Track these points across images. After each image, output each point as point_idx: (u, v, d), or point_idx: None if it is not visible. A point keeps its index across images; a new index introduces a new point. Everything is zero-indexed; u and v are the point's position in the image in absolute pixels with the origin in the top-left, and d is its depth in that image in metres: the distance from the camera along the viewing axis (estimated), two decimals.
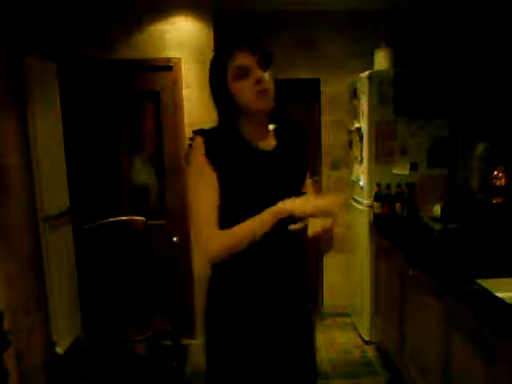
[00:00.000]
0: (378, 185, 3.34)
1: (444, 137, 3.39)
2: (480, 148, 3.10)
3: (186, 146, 1.47)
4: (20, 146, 2.68)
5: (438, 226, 2.99)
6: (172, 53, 3.35)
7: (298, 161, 1.50)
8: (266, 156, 1.41)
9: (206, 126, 1.46)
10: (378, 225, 3.29)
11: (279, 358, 1.44)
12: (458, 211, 3.07)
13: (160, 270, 3.19)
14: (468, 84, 2.96)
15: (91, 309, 3.21)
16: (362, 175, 3.50)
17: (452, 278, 2.11)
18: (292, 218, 1.31)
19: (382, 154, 3.38)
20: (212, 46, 3.35)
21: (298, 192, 1.43)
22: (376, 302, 3.36)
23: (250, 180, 1.37)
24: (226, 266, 1.41)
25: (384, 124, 3.35)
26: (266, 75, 1.36)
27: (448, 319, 2.11)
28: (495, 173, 2.78)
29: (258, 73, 1.35)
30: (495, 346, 1.69)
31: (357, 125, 3.57)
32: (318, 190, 1.59)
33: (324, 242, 1.45)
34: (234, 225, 1.34)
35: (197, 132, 1.41)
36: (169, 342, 2.95)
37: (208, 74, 1.44)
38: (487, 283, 1.97)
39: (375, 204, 3.34)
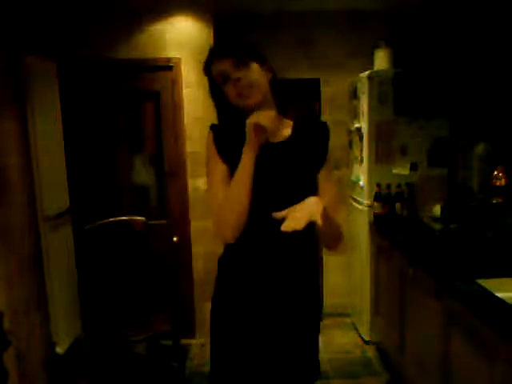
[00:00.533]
0: (378, 185, 3.34)
1: (444, 137, 3.39)
2: (480, 148, 3.10)
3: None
4: (20, 145, 2.68)
5: (438, 226, 3.00)
6: (172, 53, 3.35)
7: (312, 152, 1.49)
8: (272, 148, 1.42)
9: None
10: (378, 225, 3.29)
11: (282, 348, 1.45)
12: (457, 211, 3.08)
13: (160, 270, 3.19)
14: (468, 84, 2.95)
15: (91, 309, 3.21)
16: (362, 175, 3.50)
17: (452, 278, 2.11)
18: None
19: (382, 154, 3.38)
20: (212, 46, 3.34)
21: (309, 184, 1.45)
22: (376, 302, 3.36)
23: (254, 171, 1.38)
24: (235, 250, 1.45)
25: (384, 124, 3.35)
26: (248, 71, 1.37)
27: (448, 319, 2.11)
28: (495, 173, 2.78)
29: (234, 74, 1.37)
30: (495, 346, 1.69)
31: (357, 125, 3.57)
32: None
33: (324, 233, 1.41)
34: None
35: (211, 126, 1.49)
36: (169, 342, 2.95)
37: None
38: (487, 283, 1.97)
39: (375, 204, 3.34)
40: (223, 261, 1.52)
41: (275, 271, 1.43)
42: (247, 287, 1.44)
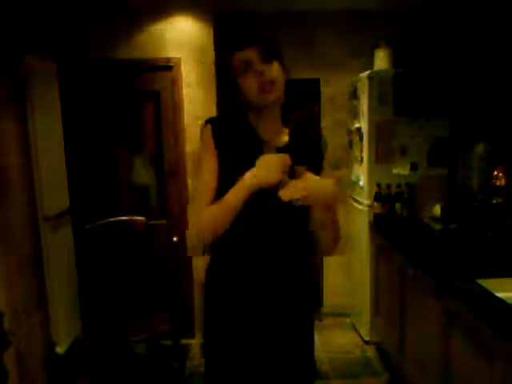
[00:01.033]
0: (378, 185, 3.34)
1: (444, 137, 3.39)
2: (480, 148, 3.10)
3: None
4: (20, 145, 2.68)
5: (438, 226, 2.99)
6: (172, 53, 3.35)
7: (309, 160, 1.42)
8: (274, 150, 1.38)
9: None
10: (378, 225, 3.29)
11: (276, 351, 1.44)
12: (457, 211, 3.07)
13: (160, 270, 3.19)
14: (468, 84, 2.95)
15: (91, 309, 3.20)
16: (362, 175, 3.50)
17: (452, 278, 2.11)
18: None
19: (382, 154, 3.38)
20: (212, 46, 3.35)
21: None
22: (376, 302, 3.36)
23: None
24: (222, 257, 1.43)
25: (384, 124, 3.35)
26: (271, 67, 1.35)
27: (448, 319, 2.11)
28: (495, 173, 2.78)
29: (259, 65, 1.33)
30: (495, 346, 1.69)
31: (357, 125, 3.57)
32: None
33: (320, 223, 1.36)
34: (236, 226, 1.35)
35: (208, 120, 1.44)
36: (169, 342, 2.95)
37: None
38: (487, 283, 1.97)
39: (375, 204, 3.34)
40: (211, 272, 1.49)
41: (266, 280, 1.40)
42: (238, 297, 1.42)
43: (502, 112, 2.61)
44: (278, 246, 1.40)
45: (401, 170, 3.38)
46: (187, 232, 3.42)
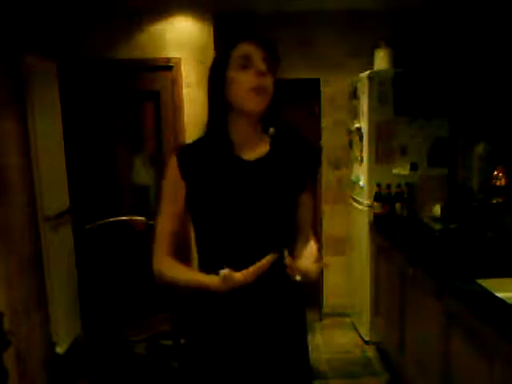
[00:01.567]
0: (378, 185, 3.34)
1: (444, 137, 3.39)
2: (480, 148, 3.10)
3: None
4: (20, 145, 2.68)
5: (438, 226, 2.99)
6: (172, 53, 3.35)
7: (292, 173, 1.36)
8: (246, 166, 1.30)
9: (191, 139, 1.44)
10: (378, 225, 3.29)
11: (269, 360, 1.36)
12: (458, 211, 3.07)
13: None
14: (468, 84, 2.95)
15: (91, 309, 3.20)
16: (362, 175, 3.50)
17: (452, 278, 2.11)
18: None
19: (382, 154, 3.38)
20: (212, 46, 3.35)
21: (285, 207, 1.34)
22: (376, 302, 3.36)
23: (221, 193, 1.28)
24: (208, 268, 1.35)
25: (384, 124, 3.35)
26: (269, 76, 1.27)
27: (448, 319, 2.11)
28: (495, 173, 2.78)
29: (260, 65, 1.26)
30: (495, 346, 1.69)
31: (357, 125, 3.57)
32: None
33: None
34: (212, 243, 1.33)
35: (176, 149, 1.41)
36: (169, 342, 2.95)
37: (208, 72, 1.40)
38: (487, 283, 1.97)
39: (375, 204, 3.34)
40: (195, 296, 1.41)
41: (255, 289, 1.27)
42: (227, 306, 1.33)
43: (501, 112, 2.61)
44: (266, 253, 1.29)
45: (401, 169, 3.38)
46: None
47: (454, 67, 3.16)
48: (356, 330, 3.74)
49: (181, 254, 1.43)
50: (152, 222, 3.18)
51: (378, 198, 3.33)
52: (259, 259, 1.25)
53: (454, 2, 3.23)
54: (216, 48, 3.35)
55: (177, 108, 3.40)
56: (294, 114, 3.74)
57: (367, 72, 3.35)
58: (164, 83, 3.41)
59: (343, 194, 3.93)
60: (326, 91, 3.89)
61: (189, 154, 1.36)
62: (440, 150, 3.39)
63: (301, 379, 1.45)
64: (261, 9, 3.65)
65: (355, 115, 3.62)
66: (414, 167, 3.39)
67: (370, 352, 3.42)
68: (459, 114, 3.17)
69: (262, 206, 1.29)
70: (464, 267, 2.22)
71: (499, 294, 1.85)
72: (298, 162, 1.38)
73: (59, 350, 2.96)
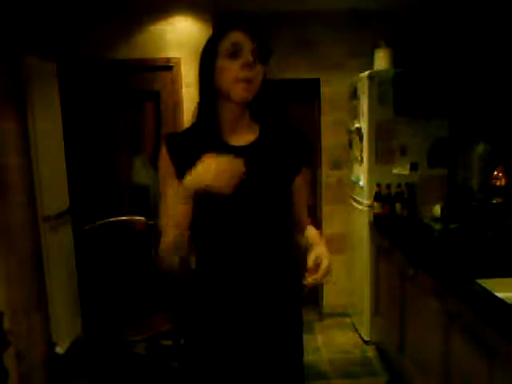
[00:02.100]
0: (378, 185, 3.34)
1: (444, 137, 3.39)
2: (480, 148, 3.10)
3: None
4: (20, 145, 2.68)
5: (438, 226, 2.99)
6: (172, 53, 3.35)
7: (283, 160, 1.37)
8: (233, 152, 1.26)
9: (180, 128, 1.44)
10: (378, 225, 3.29)
11: (263, 348, 1.39)
12: (458, 211, 3.07)
13: (160, 270, 3.18)
14: (468, 84, 2.96)
15: (91, 309, 3.21)
16: (362, 175, 3.50)
17: (452, 278, 2.11)
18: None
19: (381, 154, 3.38)
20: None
21: (276, 194, 1.36)
22: (376, 302, 3.36)
23: None
24: (208, 260, 1.39)
25: (384, 124, 3.35)
26: (258, 67, 1.28)
27: (448, 319, 2.11)
28: (495, 173, 2.78)
29: (248, 56, 1.26)
30: (495, 346, 1.69)
31: (357, 125, 3.57)
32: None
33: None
34: (204, 230, 1.34)
35: (166, 136, 1.40)
36: (169, 342, 2.95)
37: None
38: (487, 283, 1.97)
39: (375, 204, 3.34)
40: (195, 270, 1.44)
41: (251, 275, 1.34)
42: (223, 294, 1.36)
43: (501, 112, 2.61)
44: (261, 240, 1.34)
45: (401, 169, 3.38)
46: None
47: (454, 67, 3.16)
48: (356, 330, 3.74)
49: None
50: (152, 222, 3.18)
51: (378, 198, 3.33)
52: (254, 246, 1.30)
53: (454, 2, 3.23)
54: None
55: (177, 108, 3.40)
56: (294, 113, 3.74)
57: (367, 72, 3.34)
58: (164, 83, 3.41)
59: (343, 193, 3.93)
60: (325, 91, 3.89)
61: (177, 141, 1.39)
62: (440, 150, 3.39)
63: (294, 377, 1.46)
64: (261, 9, 3.65)
65: (355, 115, 3.62)
66: (414, 167, 3.39)
67: (370, 352, 3.42)
68: (459, 114, 3.17)
69: (250, 191, 1.29)
70: (464, 267, 2.22)
71: (499, 294, 1.85)
72: (287, 147, 1.39)
73: (59, 350, 2.96)
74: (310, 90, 3.94)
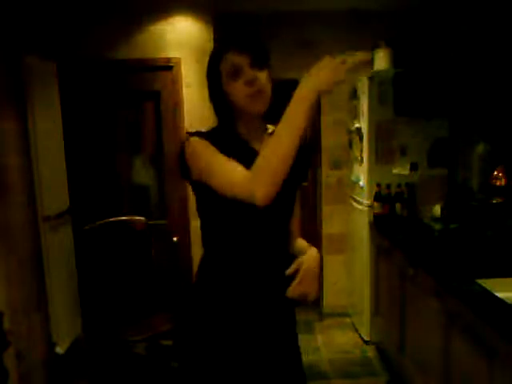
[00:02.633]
0: (378, 185, 3.34)
1: (444, 137, 3.39)
2: (480, 148, 3.10)
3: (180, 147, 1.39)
4: (20, 145, 2.68)
5: (438, 226, 2.99)
6: (172, 53, 3.35)
7: (294, 166, 1.31)
8: (253, 154, 1.26)
9: (203, 129, 1.43)
10: (378, 225, 3.29)
11: (262, 354, 1.39)
12: (458, 211, 3.07)
13: (160, 270, 3.19)
14: (468, 84, 2.95)
15: (91, 309, 3.20)
16: (362, 175, 3.50)
17: (452, 278, 2.11)
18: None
19: (382, 154, 3.38)
20: (212, 46, 3.35)
21: (290, 195, 1.41)
22: (376, 302, 3.36)
23: None
24: (217, 249, 1.39)
25: (384, 124, 3.35)
26: (261, 75, 1.30)
27: (448, 319, 2.11)
28: (495, 173, 2.78)
29: (249, 73, 1.28)
30: (495, 346, 1.69)
31: (357, 125, 3.57)
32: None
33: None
34: (226, 226, 1.34)
35: (192, 133, 1.35)
36: (169, 342, 2.95)
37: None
38: (487, 283, 1.97)
39: (375, 204, 3.34)
40: (204, 271, 1.43)
41: (261, 280, 1.36)
42: (232, 297, 1.37)
43: (501, 112, 2.61)
44: (272, 246, 1.38)
45: (401, 169, 3.38)
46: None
47: (454, 67, 3.15)
48: (356, 330, 3.74)
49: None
50: (152, 222, 3.19)
51: (378, 198, 3.33)
52: (266, 250, 1.34)
53: (454, 2, 3.23)
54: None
55: (177, 108, 3.40)
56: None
57: (367, 72, 3.34)
58: (164, 83, 3.41)
59: (343, 193, 3.93)
60: None
61: (212, 139, 1.32)
62: (440, 150, 3.39)
63: (295, 380, 1.48)
64: (260, 9, 3.65)
65: (355, 115, 3.62)
66: (414, 167, 3.39)
67: (370, 352, 3.42)
68: (459, 114, 3.17)
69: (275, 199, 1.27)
70: (464, 267, 2.22)
71: (499, 294, 1.85)
72: (298, 153, 1.37)
73: (59, 350, 2.95)
74: None
